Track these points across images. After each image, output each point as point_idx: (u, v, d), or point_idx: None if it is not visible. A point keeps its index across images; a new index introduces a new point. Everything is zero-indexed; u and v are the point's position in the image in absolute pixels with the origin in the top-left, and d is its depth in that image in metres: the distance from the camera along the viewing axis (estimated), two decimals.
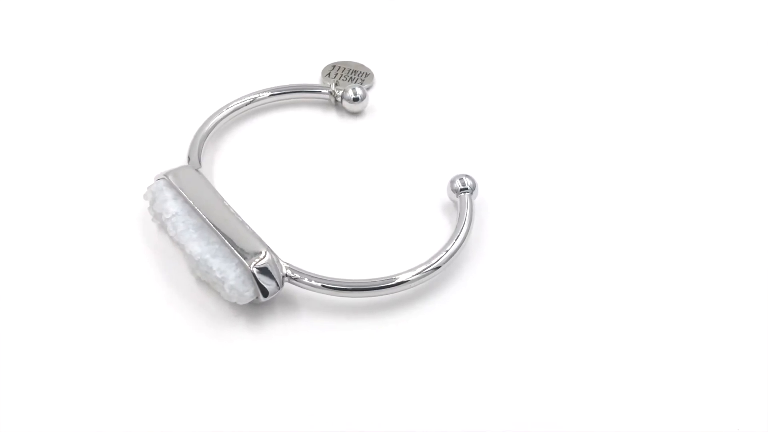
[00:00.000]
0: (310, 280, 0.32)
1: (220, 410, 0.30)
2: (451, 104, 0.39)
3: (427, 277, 0.32)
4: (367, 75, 0.40)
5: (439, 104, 0.39)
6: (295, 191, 0.36)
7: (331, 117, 0.39)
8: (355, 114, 0.39)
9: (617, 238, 0.35)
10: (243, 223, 0.32)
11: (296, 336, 0.32)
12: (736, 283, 0.34)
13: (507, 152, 0.37)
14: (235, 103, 0.37)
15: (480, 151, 0.37)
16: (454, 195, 0.35)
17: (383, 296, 0.32)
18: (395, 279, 0.32)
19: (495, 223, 0.35)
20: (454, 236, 0.33)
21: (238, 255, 0.31)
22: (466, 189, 0.35)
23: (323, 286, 0.32)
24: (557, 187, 0.36)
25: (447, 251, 0.33)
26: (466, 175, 0.35)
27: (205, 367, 0.31)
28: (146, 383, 0.30)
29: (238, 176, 0.36)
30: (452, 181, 0.35)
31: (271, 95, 0.38)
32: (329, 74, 0.40)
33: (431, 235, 0.34)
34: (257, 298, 0.31)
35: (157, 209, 0.33)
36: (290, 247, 0.33)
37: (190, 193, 0.33)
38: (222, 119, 0.37)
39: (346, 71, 0.40)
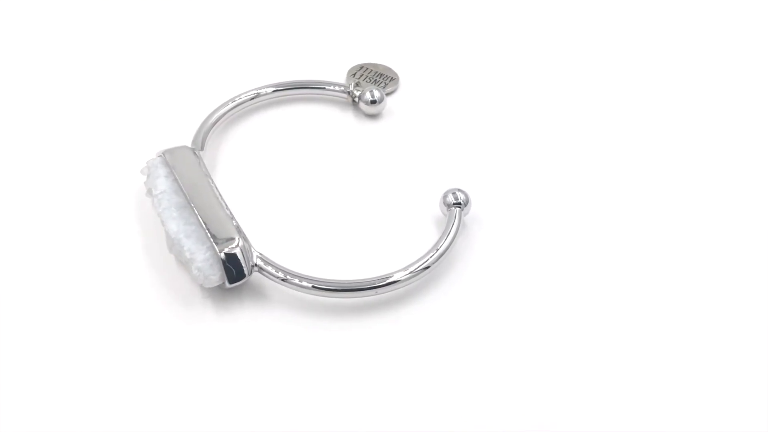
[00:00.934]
0: (298, 279, 0.32)
1: (166, 387, 0.30)
2: (471, 118, 0.39)
3: (388, 288, 0.32)
4: (392, 79, 0.40)
5: (458, 116, 0.39)
6: (295, 186, 0.36)
7: (348, 117, 0.39)
8: (372, 116, 0.39)
9: (609, 240, 0.35)
10: (225, 209, 0.33)
11: (259, 325, 0.32)
12: (729, 294, 0.33)
13: (511, 170, 0.37)
14: (248, 93, 0.38)
15: (488, 166, 0.37)
16: (445, 209, 0.34)
17: (356, 298, 0.32)
18: (357, 284, 0.32)
19: (489, 230, 0.35)
20: (433, 248, 0.33)
21: (210, 239, 0.32)
22: (459, 204, 0.34)
23: (314, 287, 0.32)
24: (551, 197, 0.36)
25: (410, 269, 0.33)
26: (459, 190, 0.34)
27: (163, 344, 0.31)
28: (102, 353, 0.31)
29: (243, 165, 0.37)
30: (445, 195, 0.34)
31: (289, 89, 0.38)
32: (355, 74, 0.40)
33: (418, 245, 0.34)
34: (224, 283, 0.32)
35: (149, 185, 0.34)
36: (274, 240, 0.34)
37: (181, 173, 0.34)
38: (234, 107, 0.37)
39: (372, 73, 0.40)
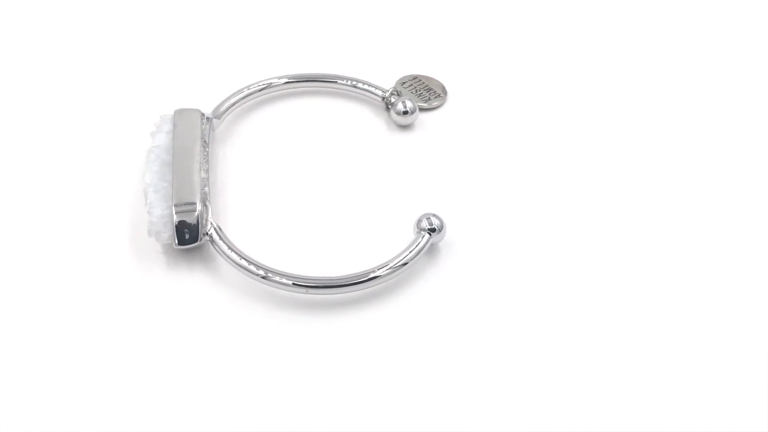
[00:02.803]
0: (254, 266, 0.32)
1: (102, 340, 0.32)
2: (498, 152, 0.37)
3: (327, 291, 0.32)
4: (438, 96, 0.39)
5: (487, 149, 0.37)
6: (300, 177, 0.36)
7: (379, 122, 0.39)
8: (403, 127, 0.38)
9: (592, 246, 0.34)
10: (201, 175, 0.34)
11: (202, 294, 0.33)
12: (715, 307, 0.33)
13: (514, 206, 0.35)
14: (279, 79, 0.39)
15: (490, 202, 0.36)
16: (416, 231, 0.34)
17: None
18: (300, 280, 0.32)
19: (472, 256, 0.34)
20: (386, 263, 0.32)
21: (173, 198, 0.33)
22: (434, 229, 0.33)
23: (294, 284, 0.32)
24: (555, 237, 0.35)
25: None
26: (434, 215, 0.34)
27: (110, 296, 0.32)
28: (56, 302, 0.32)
29: (256, 149, 0.37)
30: (419, 221, 0.34)
31: (329, 82, 0.39)
32: (404, 83, 0.40)
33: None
34: (174, 243, 0.33)
35: (152, 138, 0.35)
36: (255, 229, 0.34)
37: (179, 133, 0.35)
38: (261, 90, 0.38)
39: (421, 86, 0.40)
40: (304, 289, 0.32)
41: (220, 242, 0.33)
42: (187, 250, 0.33)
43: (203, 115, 0.36)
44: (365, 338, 0.32)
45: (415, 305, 0.33)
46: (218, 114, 0.37)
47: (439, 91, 0.40)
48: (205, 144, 0.35)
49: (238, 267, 0.32)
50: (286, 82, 0.39)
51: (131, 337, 0.31)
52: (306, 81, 0.39)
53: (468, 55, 0.41)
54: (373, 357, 0.31)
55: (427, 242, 0.33)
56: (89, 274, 0.33)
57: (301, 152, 0.37)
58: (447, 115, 0.39)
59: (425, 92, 0.39)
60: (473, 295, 0.33)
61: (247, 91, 0.38)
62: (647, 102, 0.39)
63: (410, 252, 0.33)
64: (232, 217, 0.35)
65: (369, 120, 0.39)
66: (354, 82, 0.39)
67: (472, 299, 0.33)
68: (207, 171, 0.34)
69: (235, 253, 0.32)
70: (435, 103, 0.39)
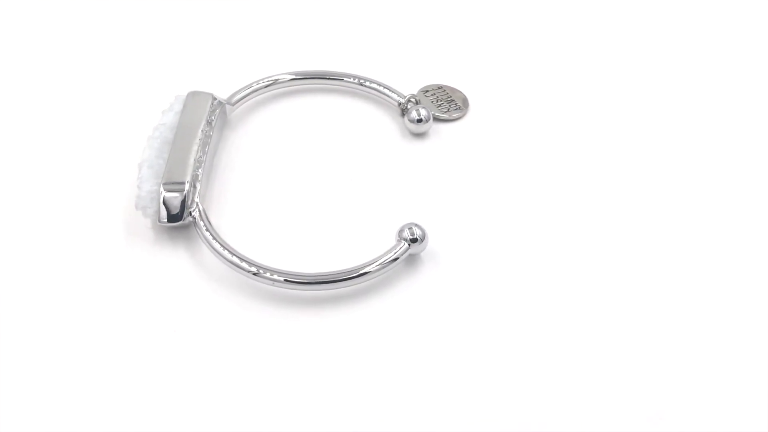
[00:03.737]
0: (245, 263, 0.32)
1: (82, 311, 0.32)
2: (509, 172, 0.37)
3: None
4: (458, 109, 0.39)
5: (500, 163, 0.37)
6: (298, 175, 0.36)
7: (393, 127, 0.38)
8: (416, 135, 0.38)
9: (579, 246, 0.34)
10: (198, 156, 0.34)
11: (181, 272, 0.33)
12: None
13: (515, 228, 0.35)
14: (287, 75, 0.39)
15: (487, 217, 0.35)
16: (396, 238, 0.33)
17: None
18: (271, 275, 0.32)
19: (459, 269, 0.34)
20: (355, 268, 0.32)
21: (163, 176, 0.33)
22: (416, 240, 0.33)
23: (285, 280, 0.32)
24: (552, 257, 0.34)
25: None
26: (416, 225, 0.33)
27: (91, 264, 0.33)
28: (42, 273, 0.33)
29: (266, 141, 0.38)
30: (401, 230, 0.33)
31: (347, 81, 0.39)
32: (427, 91, 0.39)
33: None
34: (158, 219, 0.33)
35: (161, 116, 0.36)
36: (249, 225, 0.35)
37: (186, 114, 0.36)
38: (277, 83, 0.39)
39: (444, 95, 0.39)
40: (270, 282, 0.32)
41: (200, 223, 0.33)
42: (173, 228, 0.34)
43: (215, 99, 0.37)
44: (334, 334, 0.32)
45: (390, 313, 0.32)
46: (232, 100, 0.37)
47: (460, 103, 0.39)
48: (210, 127, 0.36)
49: (212, 250, 0.33)
50: (310, 78, 0.39)
51: (102, 305, 0.32)
52: (329, 79, 0.39)
53: (498, 72, 0.40)
54: (351, 355, 0.31)
55: (405, 252, 0.33)
56: (77, 240, 0.34)
57: (310, 149, 0.37)
58: (464, 128, 0.38)
59: (446, 103, 0.39)
60: (460, 299, 0.33)
61: (266, 82, 0.38)
62: (670, 126, 0.38)
63: (382, 264, 0.32)
64: (224, 202, 0.35)
65: (384, 124, 0.38)
66: (377, 86, 0.39)
67: (459, 304, 0.33)
68: (206, 153, 0.35)
69: (211, 234, 0.33)
70: (455, 115, 0.39)
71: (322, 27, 0.42)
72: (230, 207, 0.35)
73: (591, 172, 0.37)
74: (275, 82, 0.39)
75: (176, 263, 0.34)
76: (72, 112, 0.38)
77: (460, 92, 0.39)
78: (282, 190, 0.36)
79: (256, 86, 0.38)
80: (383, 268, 0.32)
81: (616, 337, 0.32)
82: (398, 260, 0.33)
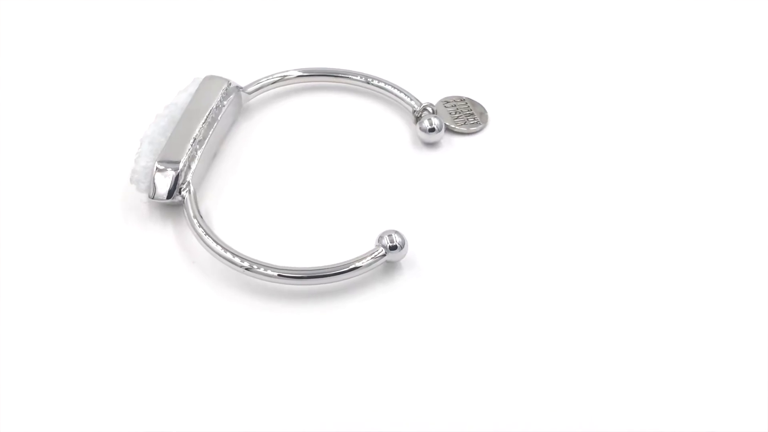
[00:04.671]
0: (211, 239, 0.33)
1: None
2: (519, 191, 0.36)
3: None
4: (476, 123, 0.38)
5: (505, 184, 0.36)
6: (298, 171, 0.36)
7: (406, 134, 0.38)
8: (427, 144, 0.38)
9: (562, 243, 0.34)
10: (200, 139, 0.35)
11: (166, 248, 0.34)
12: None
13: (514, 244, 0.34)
14: (315, 71, 0.39)
15: (479, 236, 0.34)
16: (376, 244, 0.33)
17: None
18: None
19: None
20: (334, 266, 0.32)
21: (161, 153, 0.34)
22: (395, 247, 0.33)
23: (279, 275, 0.32)
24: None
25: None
26: (396, 232, 0.33)
27: (81, 232, 0.34)
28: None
29: (277, 133, 0.38)
30: (380, 237, 0.33)
31: (366, 82, 0.39)
32: (448, 102, 0.39)
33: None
34: (149, 195, 0.34)
35: (175, 96, 0.37)
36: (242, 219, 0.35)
37: (197, 96, 0.36)
38: (300, 78, 0.39)
39: (465, 109, 0.38)
40: (241, 269, 0.32)
41: (187, 204, 0.33)
42: (165, 205, 0.34)
43: (230, 84, 0.37)
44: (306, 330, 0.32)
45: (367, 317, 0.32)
46: (249, 89, 0.38)
47: (479, 118, 0.38)
48: (219, 111, 0.36)
49: (194, 232, 0.33)
50: (335, 76, 0.39)
51: (86, 273, 0.33)
52: (352, 79, 0.39)
53: (525, 91, 0.39)
54: (341, 350, 0.31)
55: (382, 256, 0.32)
56: (73, 208, 0.35)
57: (320, 146, 0.37)
58: (478, 142, 0.38)
59: (465, 116, 0.38)
60: (456, 297, 0.33)
61: (291, 75, 0.39)
62: (703, 156, 0.37)
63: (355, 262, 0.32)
64: (220, 187, 0.36)
65: (398, 130, 0.38)
66: (397, 90, 0.38)
67: (456, 303, 0.32)
68: (209, 135, 0.35)
69: (194, 213, 0.33)
70: (472, 129, 0.38)
71: (364, 29, 0.42)
72: (226, 193, 0.35)
73: (592, 199, 0.36)
74: (298, 76, 0.39)
75: (164, 240, 0.34)
76: (100, 88, 0.39)
77: (482, 107, 0.39)
78: (281, 182, 0.36)
79: (277, 78, 0.38)
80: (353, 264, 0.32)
81: (597, 350, 0.31)
82: (386, 257, 0.32)
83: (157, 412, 0.30)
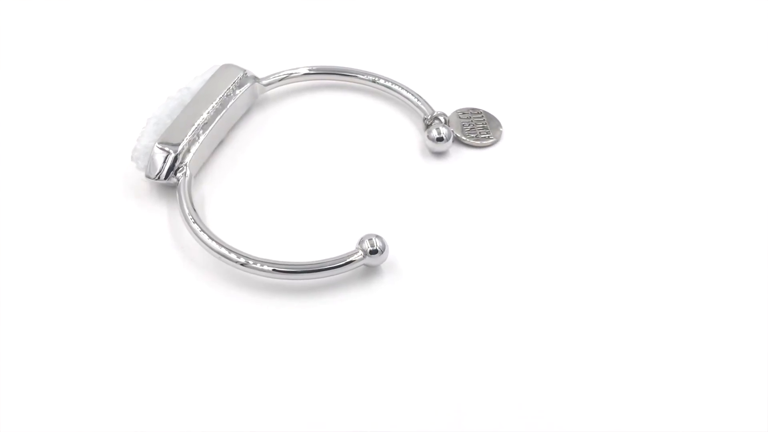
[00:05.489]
0: (228, 251, 0.32)
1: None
2: (520, 209, 0.35)
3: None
4: (489, 138, 0.38)
5: (507, 201, 0.35)
6: (300, 168, 0.36)
7: (415, 139, 0.38)
8: (435, 153, 0.37)
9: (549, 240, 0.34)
10: (207, 122, 0.35)
11: (158, 227, 0.34)
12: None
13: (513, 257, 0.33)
14: (337, 69, 0.39)
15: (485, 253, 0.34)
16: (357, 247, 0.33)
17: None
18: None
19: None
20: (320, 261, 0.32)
21: (164, 134, 0.35)
22: (376, 251, 0.32)
23: (274, 270, 0.32)
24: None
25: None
26: (377, 236, 0.32)
27: (78, 207, 0.35)
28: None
29: (286, 128, 0.38)
30: (361, 241, 0.33)
31: (378, 83, 0.39)
32: (463, 114, 0.38)
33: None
34: (146, 173, 0.34)
35: (191, 81, 0.37)
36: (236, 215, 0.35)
37: (211, 82, 0.37)
38: (319, 75, 0.39)
39: (479, 121, 0.38)
40: (217, 255, 0.32)
41: (180, 188, 0.34)
42: (163, 185, 0.35)
43: (245, 74, 0.37)
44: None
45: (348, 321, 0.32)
46: (264, 81, 0.38)
47: (492, 132, 0.38)
48: (229, 98, 0.36)
49: (182, 215, 0.33)
50: (356, 77, 0.39)
51: (80, 248, 0.34)
52: (373, 81, 0.39)
53: (544, 109, 0.39)
54: (337, 346, 0.31)
55: (361, 259, 0.32)
56: (76, 182, 0.36)
57: (331, 144, 0.37)
58: (487, 156, 0.37)
59: (479, 129, 0.38)
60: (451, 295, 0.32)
61: (309, 71, 0.39)
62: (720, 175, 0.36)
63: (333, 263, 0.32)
64: (220, 176, 0.36)
65: (408, 136, 0.38)
66: (411, 95, 0.38)
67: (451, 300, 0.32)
68: (215, 122, 0.35)
69: (186, 203, 0.33)
70: (483, 143, 0.38)
71: (401, 37, 0.42)
72: (224, 181, 0.36)
73: (587, 219, 0.35)
74: (316, 72, 0.39)
75: (157, 219, 0.35)
76: (121, 72, 0.40)
77: (498, 121, 0.38)
78: (280, 176, 0.36)
79: (295, 72, 0.39)
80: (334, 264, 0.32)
81: (583, 356, 0.31)
82: (352, 267, 0.32)
83: (147, 402, 0.30)
